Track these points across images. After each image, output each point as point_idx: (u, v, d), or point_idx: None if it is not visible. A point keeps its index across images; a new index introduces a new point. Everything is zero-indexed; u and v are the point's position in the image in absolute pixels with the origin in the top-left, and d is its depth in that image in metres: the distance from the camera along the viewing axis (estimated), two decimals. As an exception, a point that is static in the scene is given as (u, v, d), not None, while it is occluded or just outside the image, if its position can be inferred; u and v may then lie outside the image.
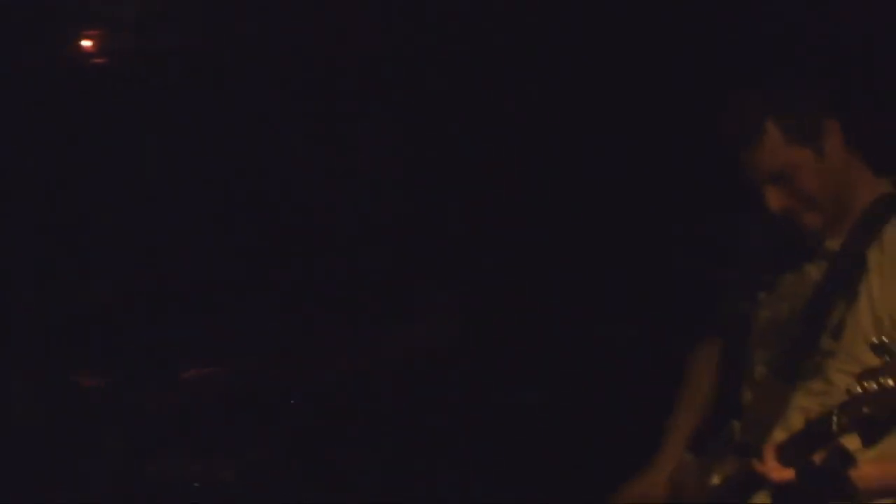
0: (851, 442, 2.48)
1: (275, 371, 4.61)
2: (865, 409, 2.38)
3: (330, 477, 4.48)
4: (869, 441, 2.42)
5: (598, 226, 4.73)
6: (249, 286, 4.79)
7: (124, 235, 4.87)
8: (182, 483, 4.29)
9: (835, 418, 2.44)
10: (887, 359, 2.39)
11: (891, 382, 2.36)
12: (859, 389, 2.39)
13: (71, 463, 4.32)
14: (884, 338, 2.40)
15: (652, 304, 4.61)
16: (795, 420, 2.81)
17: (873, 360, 2.76)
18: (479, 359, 4.77)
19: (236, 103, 4.85)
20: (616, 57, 4.56)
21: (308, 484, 4.43)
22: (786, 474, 2.57)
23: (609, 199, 4.69)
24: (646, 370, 4.54)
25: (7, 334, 4.56)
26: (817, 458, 2.51)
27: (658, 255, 4.59)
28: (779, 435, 2.82)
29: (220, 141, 4.86)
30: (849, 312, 2.82)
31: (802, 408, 2.84)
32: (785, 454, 2.60)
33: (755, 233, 3.11)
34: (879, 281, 2.80)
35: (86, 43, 4.87)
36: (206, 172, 4.91)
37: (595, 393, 4.70)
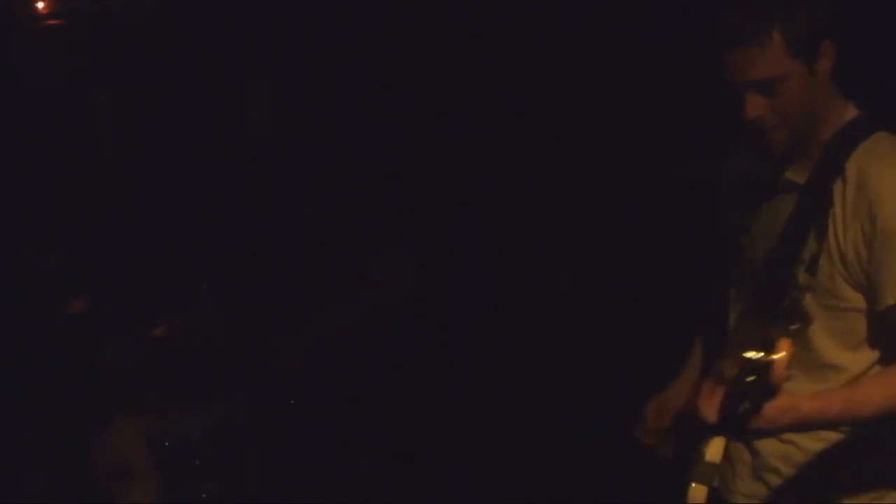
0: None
1: (239, 331, 4.61)
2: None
3: (294, 433, 4.48)
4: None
5: (558, 170, 4.73)
6: (208, 247, 4.78)
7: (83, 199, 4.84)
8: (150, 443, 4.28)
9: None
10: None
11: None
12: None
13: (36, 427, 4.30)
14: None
15: (612, 254, 4.64)
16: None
17: (853, 295, 2.88)
18: (438, 312, 4.77)
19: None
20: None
21: (272, 440, 4.44)
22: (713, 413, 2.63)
23: (571, 141, 4.69)
24: (608, 323, 4.58)
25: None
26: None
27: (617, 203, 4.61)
28: None
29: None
30: (822, 247, 2.87)
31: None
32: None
33: (728, 175, 3.15)
34: (842, 213, 2.85)
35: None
36: (160, 133, 4.89)
37: (553, 346, 4.73)
